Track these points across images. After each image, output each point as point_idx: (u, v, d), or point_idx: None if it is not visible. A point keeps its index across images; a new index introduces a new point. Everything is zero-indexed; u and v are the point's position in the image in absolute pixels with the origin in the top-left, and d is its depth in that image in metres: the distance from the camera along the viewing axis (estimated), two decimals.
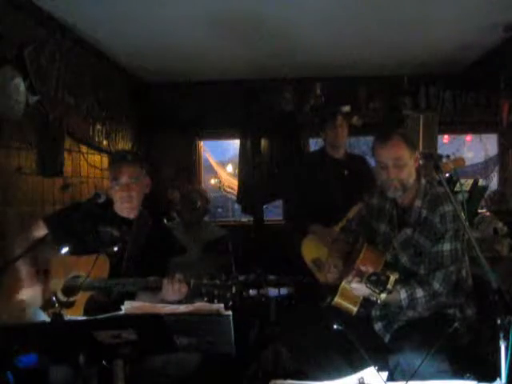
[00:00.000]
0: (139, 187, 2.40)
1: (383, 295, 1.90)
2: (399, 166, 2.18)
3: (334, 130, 3.44)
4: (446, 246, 2.15)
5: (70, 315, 1.89)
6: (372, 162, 2.82)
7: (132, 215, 2.43)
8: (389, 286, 1.89)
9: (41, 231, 2.36)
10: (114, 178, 2.37)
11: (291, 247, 3.44)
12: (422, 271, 2.21)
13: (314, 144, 5.40)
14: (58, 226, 2.34)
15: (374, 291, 1.91)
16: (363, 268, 2.04)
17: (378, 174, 2.29)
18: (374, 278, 1.92)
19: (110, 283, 2.20)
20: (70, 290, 2.21)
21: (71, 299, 2.17)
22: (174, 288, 2.10)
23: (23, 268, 2.22)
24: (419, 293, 2.11)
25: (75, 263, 2.26)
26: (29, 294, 2.20)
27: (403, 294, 2.10)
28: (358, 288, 2.06)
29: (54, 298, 2.16)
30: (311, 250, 3.30)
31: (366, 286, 1.94)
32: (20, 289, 2.22)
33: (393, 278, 1.90)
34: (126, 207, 2.40)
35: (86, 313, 2.11)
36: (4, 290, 2.28)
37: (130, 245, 2.37)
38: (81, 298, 2.17)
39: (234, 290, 2.07)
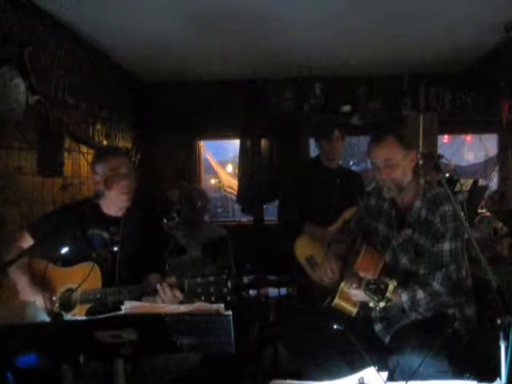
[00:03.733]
0: (133, 180, 2.37)
1: (382, 304, 1.90)
2: (391, 166, 2.18)
3: (329, 145, 3.52)
4: (446, 246, 2.15)
5: None
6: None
7: (120, 213, 2.38)
8: (387, 295, 1.88)
9: (27, 241, 2.30)
10: (112, 169, 2.30)
11: (290, 247, 3.45)
12: (422, 271, 2.20)
13: (314, 144, 5.40)
14: (43, 234, 2.26)
15: (373, 299, 1.91)
16: (362, 273, 2.04)
17: (374, 174, 2.30)
18: (372, 286, 1.91)
19: (105, 293, 2.13)
20: (66, 305, 2.17)
21: (69, 314, 2.14)
22: (167, 295, 2.06)
23: (19, 279, 2.20)
24: (420, 294, 2.11)
25: (67, 274, 2.21)
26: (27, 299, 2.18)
27: (404, 297, 2.09)
28: (357, 294, 2.07)
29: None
30: (304, 248, 3.34)
31: (365, 294, 1.93)
32: (18, 293, 2.21)
33: (391, 286, 1.89)
34: (125, 199, 2.33)
35: None
36: (4, 290, 2.28)
37: (121, 246, 2.32)
38: (79, 311, 2.15)
39: (229, 285, 2.04)
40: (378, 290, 1.89)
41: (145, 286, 2.15)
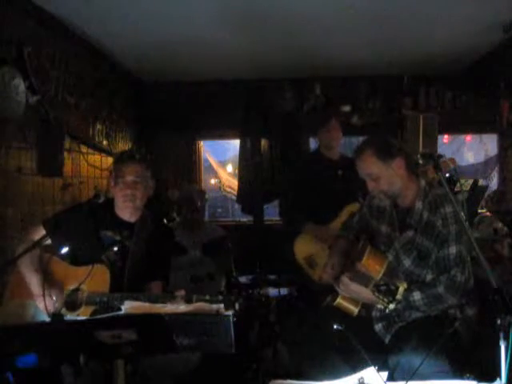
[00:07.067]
0: (144, 188, 2.34)
1: (392, 305, 1.88)
2: (374, 179, 2.21)
3: (327, 133, 3.48)
4: (452, 249, 2.13)
5: None
6: None
7: (133, 218, 2.38)
8: (398, 297, 1.87)
9: (41, 235, 2.29)
10: (119, 176, 2.30)
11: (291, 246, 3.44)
12: (429, 275, 2.18)
13: (314, 144, 5.40)
14: (57, 230, 2.25)
15: (383, 301, 1.89)
16: (363, 269, 2.03)
17: None
18: (383, 287, 1.89)
19: (111, 298, 2.15)
20: (72, 304, 2.18)
21: (74, 313, 2.15)
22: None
23: (28, 273, 2.20)
24: (417, 295, 2.08)
25: (75, 274, 2.21)
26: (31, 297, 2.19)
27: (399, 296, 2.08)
28: (362, 292, 2.05)
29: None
30: (303, 247, 3.33)
31: (374, 295, 1.91)
32: (22, 290, 2.21)
33: (402, 288, 1.87)
34: (128, 206, 2.33)
35: None
36: (4, 289, 2.28)
37: (132, 251, 2.32)
38: (84, 311, 2.16)
39: (237, 306, 2.06)
40: (389, 292, 1.88)
41: (152, 296, 2.15)
